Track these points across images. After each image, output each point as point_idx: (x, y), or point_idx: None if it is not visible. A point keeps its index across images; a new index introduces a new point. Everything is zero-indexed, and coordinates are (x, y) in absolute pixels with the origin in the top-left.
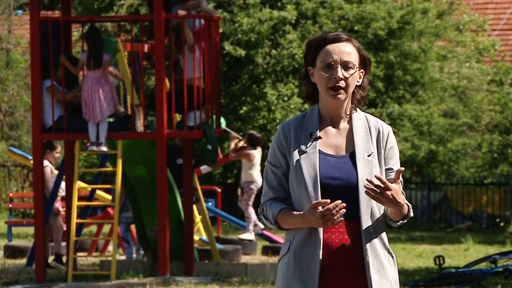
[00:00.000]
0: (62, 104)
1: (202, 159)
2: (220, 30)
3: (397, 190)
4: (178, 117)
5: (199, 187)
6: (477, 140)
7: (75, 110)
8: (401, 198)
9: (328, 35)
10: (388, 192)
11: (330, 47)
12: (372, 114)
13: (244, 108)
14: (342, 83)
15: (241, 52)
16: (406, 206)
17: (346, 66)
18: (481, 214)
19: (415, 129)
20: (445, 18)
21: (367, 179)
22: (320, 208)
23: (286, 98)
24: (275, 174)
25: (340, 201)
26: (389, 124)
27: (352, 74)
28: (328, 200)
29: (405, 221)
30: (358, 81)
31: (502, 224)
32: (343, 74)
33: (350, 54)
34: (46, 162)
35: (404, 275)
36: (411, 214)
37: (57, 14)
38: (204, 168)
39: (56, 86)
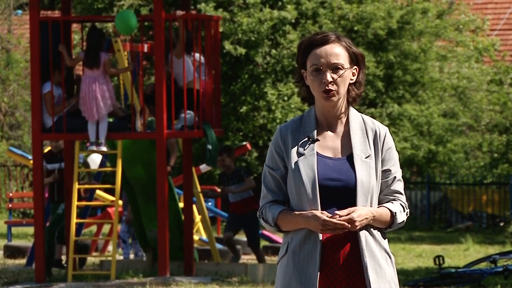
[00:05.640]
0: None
1: (201, 158)
2: (220, 30)
3: (359, 215)
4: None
5: (198, 187)
6: (477, 140)
7: (75, 110)
8: (365, 216)
9: (315, 38)
10: (356, 223)
11: (318, 50)
12: (372, 114)
13: (244, 107)
14: (332, 86)
15: (241, 51)
16: (387, 214)
17: (334, 68)
18: (481, 214)
19: (415, 129)
20: (445, 18)
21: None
22: (325, 216)
23: (286, 98)
24: (274, 177)
25: (348, 225)
26: (389, 124)
27: (341, 75)
28: (337, 216)
29: (391, 228)
30: (351, 79)
31: (502, 224)
32: (332, 77)
33: (338, 55)
34: None
35: (404, 275)
36: (398, 221)
37: (57, 14)
38: (204, 167)
39: (54, 92)
